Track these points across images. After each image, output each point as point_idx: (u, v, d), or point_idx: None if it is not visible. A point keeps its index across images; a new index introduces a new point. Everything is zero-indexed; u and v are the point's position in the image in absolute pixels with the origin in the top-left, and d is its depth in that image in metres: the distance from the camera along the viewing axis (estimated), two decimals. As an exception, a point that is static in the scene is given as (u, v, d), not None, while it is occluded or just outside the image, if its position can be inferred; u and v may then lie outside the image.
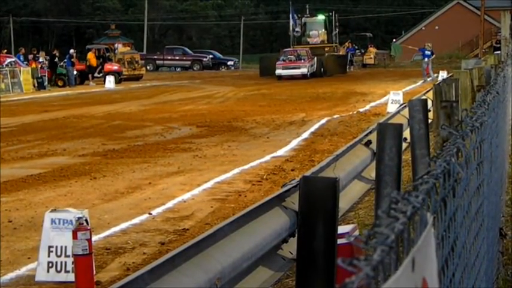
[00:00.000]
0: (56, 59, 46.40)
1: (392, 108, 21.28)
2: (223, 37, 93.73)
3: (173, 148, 16.96)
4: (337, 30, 60.69)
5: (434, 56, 47.53)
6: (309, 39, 58.74)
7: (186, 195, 11.67)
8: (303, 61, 51.49)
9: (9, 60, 44.46)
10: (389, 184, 6.77)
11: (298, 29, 58.29)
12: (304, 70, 50.76)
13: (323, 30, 59.21)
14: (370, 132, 10.36)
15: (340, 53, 62.22)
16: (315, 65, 52.55)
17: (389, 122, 10.97)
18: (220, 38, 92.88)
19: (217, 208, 10.73)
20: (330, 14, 60.61)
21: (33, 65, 43.30)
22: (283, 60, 51.66)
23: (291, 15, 59.48)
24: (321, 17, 60.63)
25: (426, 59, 44.38)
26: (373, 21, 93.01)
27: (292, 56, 51.86)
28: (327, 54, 56.04)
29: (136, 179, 13.14)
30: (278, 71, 50.67)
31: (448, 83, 8.75)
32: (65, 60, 46.68)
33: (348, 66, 64.62)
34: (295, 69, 50.71)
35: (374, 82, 42.99)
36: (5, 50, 53.71)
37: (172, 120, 23.20)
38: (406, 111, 11.60)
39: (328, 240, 5.53)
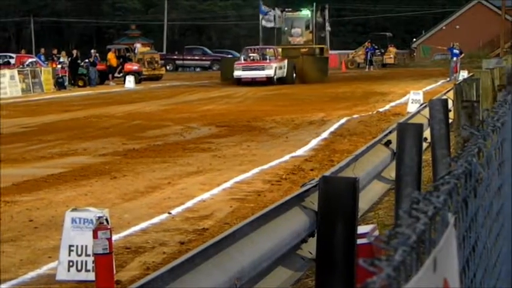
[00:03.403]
0: (75, 58, 46.54)
1: (412, 108, 21.20)
2: (243, 37, 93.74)
3: (193, 148, 16.99)
4: (329, 28, 49.66)
5: (463, 55, 47.71)
6: (290, 39, 47.55)
7: (206, 195, 11.68)
8: (268, 61, 41.49)
9: (30, 60, 44.73)
10: (410, 184, 6.75)
11: (267, 23, 46.98)
12: (269, 72, 40.95)
13: (308, 28, 47.79)
14: (390, 132, 10.32)
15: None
16: (285, 69, 42.77)
17: (410, 121, 10.93)
18: (240, 38, 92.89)
19: (237, 208, 10.73)
20: (326, 7, 48.95)
21: (54, 65, 43.53)
22: (244, 60, 41.98)
23: (259, 8, 48.17)
24: (305, 12, 48.04)
25: (455, 58, 44.74)
26: (393, 20, 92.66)
27: (255, 55, 42.15)
28: (301, 56, 44.83)
29: (156, 178, 13.17)
30: (237, 73, 41.08)
31: (469, 82, 8.72)
32: (86, 60, 46.93)
33: (367, 66, 64.52)
34: (257, 71, 40.94)
35: (394, 82, 42.88)
36: (23, 50, 54.01)
37: (192, 120, 23.23)
38: (426, 111, 11.55)
39: (347, 240, 5.52)
